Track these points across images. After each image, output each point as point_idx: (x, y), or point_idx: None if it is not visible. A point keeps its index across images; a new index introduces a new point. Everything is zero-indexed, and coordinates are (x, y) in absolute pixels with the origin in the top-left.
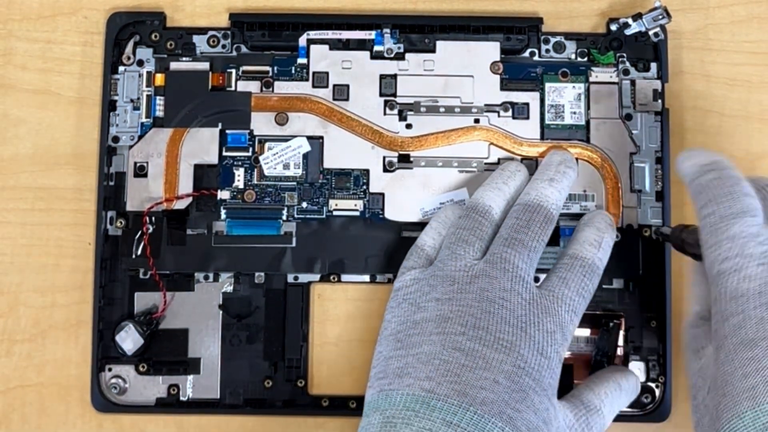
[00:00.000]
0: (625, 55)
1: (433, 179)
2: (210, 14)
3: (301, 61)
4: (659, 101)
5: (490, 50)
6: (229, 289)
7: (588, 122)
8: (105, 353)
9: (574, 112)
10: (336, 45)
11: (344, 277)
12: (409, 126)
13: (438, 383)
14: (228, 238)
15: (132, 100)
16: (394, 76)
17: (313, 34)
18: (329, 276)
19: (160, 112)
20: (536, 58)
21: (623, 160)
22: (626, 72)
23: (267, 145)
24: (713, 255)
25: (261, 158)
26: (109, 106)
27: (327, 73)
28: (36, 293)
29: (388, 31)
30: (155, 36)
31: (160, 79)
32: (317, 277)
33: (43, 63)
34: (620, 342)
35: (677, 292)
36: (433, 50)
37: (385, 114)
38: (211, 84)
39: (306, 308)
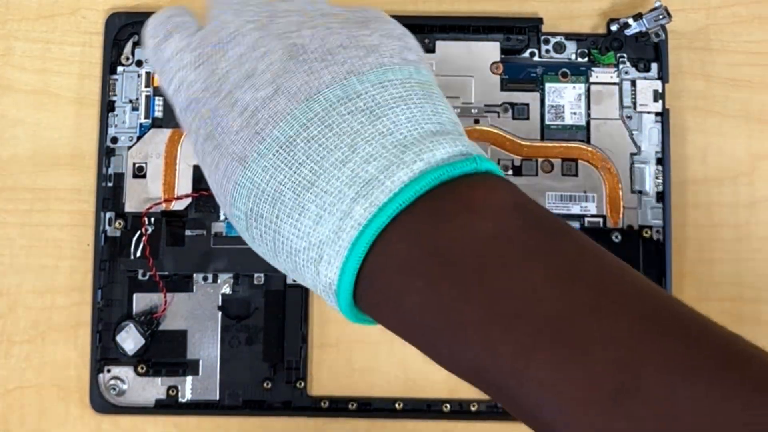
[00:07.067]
0: (625, 55)
1: None
2: None
3: None
4: (660, 102)
5: (490, 50)
6: (228, 290)
7: (588, 123)
8: (104, 354)
9: (575, 113)
10: None
11: None
12: None
13: None
14: (227, 239)
15: (131, 101)
16: None
17: None
18: None
19: (158, 113)
20: (536, 58)
21: (624, 160)
22: (627, 72)
23: None
24: (164, 84)
25: None
26: (107, 106)
27: None
28: (35, 294)
29: None
30: None
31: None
32: None
33: (42, 63)
34: None
35: (678, 292)
36: (433, 50)
37: None
38: None
39: (305, 309)
